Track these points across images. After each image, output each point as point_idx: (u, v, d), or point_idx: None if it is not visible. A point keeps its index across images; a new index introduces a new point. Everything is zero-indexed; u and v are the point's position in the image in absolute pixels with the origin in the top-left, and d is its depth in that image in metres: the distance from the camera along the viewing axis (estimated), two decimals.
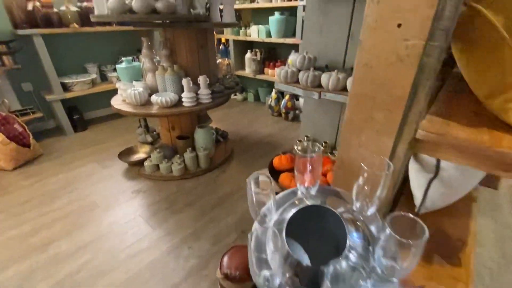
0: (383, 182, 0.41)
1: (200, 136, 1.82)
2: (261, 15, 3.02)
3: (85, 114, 2.79)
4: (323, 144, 1.54)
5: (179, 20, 1.36)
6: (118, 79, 2.62)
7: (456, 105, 0.52)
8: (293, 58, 1.22)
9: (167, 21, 1.59)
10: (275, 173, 1.41)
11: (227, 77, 2.10)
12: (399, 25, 0.40)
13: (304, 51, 1.25)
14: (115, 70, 2.77)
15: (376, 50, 0.44)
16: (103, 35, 2.70)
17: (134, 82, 1.73)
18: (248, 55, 3.05)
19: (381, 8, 0.41)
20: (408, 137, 0.47)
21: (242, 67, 3.30)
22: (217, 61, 2.77)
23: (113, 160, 1.96)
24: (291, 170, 1.38)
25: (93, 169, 1.91)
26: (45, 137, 2.42)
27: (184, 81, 1.56)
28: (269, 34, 2.82)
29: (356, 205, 0.46)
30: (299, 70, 1.22)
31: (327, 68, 1.25)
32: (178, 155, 1.79)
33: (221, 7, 1.76)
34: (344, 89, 1.10)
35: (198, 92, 1.68)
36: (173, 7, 1.36)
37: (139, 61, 2.73)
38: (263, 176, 0.47)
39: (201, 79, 1.63)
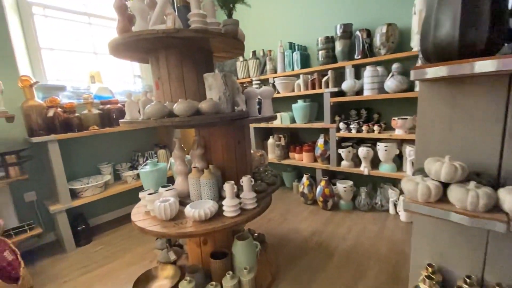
0: None
1: (241, 252, 1.41)
2: (279, 102, 3.03)
3: (92, 219, 2.40)
4: (466, 280, 0.93)
5: (224, 119, 1.18)
6: (133, 179, 2.35)
7: None
8: (431, 167, 0.82)
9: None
10: None
11: (261, 169, 1.84)
12: None
13: (446, 157, 0.82)
14: (130, 168, 2.54)
15: None
16: (120, 133, 2.59)
17: (161, 189, 1.43)
18: (271, 140, 2.91)
19: None
20: None
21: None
22: None
23: None
24: None
25: None
26: (41, 256, 1.96)
27: (227, 186, 1.27)
28: (292, 120, 2.73)
29: None
30: (442, 183, 0.81)
31: (478, 177, 0.84)
32: (214, 283, 1.33)
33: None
34: None
35: (241, 196, 1.37)
36: (217, 107, 1.18)
37: (157, 157, 2.54)
38: None
39: (245, 181, 1.34)
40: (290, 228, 2.14)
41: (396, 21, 2.09)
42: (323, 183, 2.37)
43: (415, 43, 2.02)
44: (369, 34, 2.24)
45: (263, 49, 3.02)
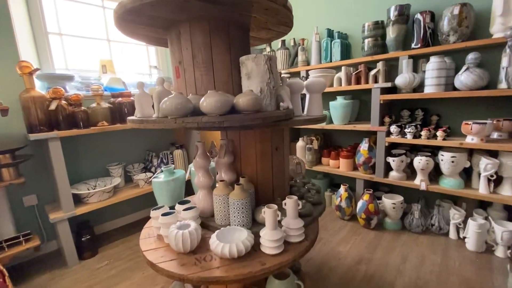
0: None
1: None
2: None
3: (98, 227, 2.14)
4: None
5: (267, 120, 0.83)
6: (146, 182, 2.06)
7: None
8: None
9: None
10: None
11: (298, 181, 1.48)
12: None
13: None
14: (143, 170, 2.25)
15: None
16: (132, 130, 2.31)
17: (178, 207, 1.11)
18: (300, 143, 2.54)
19: None
20: None
21: None
22: None
23: None
24: None
25: None
26: (39, 269, 1.71)
27: (269, 213, 0.92)
28: (329, 120, 2.35)
29: None
30: None
31: None
32: None
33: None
34: None
35: (283, 223, 1.02)
36: (259, 102, 0.84)
37: (173, 158, 2.24)
38: None
39: (290, 204, 0.99)
40: (328, 251, 1.77)
41: (470, 1, 1.66)
42: (366, 197, 1.98)
43: (496, 28, 1.58)
44: (433, 17, 1.82)
45: (294, 38, 2.64)
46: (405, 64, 1.86)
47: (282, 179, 1.26)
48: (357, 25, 2.26)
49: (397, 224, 1.99)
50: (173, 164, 2.24)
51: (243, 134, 1.16)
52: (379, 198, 2.05)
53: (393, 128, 1.91)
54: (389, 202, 1.94)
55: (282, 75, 2.50)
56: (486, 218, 1.68)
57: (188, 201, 1.16)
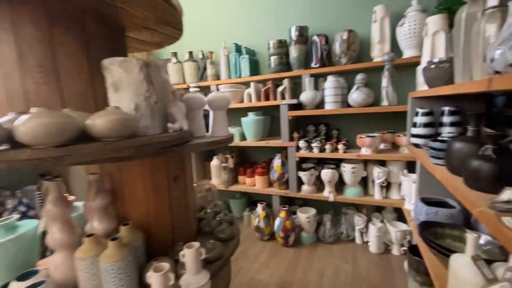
0: None
1: None
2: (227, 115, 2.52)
3: None
4: None
5: (145, 148, 0.60)
6: None
7: None
8: None
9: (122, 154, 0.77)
10: None
11: (209, 211, 1.27)
12: None
13: None
14: None
15: None
16: None
17: (15, 285, 0.70)
18: (215, 162, 2.34)
19: None
20: None
21: (206, 177, 2.51)
22: None
23: None
24: None
25: None
26: None
27: (156, 280, 0.66)
28: (242, 137, 2.25)
29: None
30: None
31: None
32: None
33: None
34: None
35: (181, 284, 0.77)
36: (130, 124, 0.59)
37: (41, 196, 1.67)
38: None
39: (190, 256, 0.76)
40: (249, 281, 1.60)
41: (355, 28, 1.88)
42: (283, 214, 1.93)
43: (375, 53, 1.84)
44: (327, 40, 1.98)
45: (202, 51, 2.47)
46: (307, 82, 1.95)
47: (186, 216, 1.02)
48: (263, 42, 2.28)
49: (312, 237, 2.01)
50: (41, 204, 1.64)
51: (125, 164, 0.87)
52: (295, 213, 2.04)
53: (302, 143, 1.95)
54: (303, 216, 1.94)
55: (188, 89, 2.27)
56: (382, 221, 1.87)
57: (35, 272, 0.77)
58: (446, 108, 1.38)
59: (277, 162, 2.07)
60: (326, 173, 1.89)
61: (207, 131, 1.12)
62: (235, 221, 1.25)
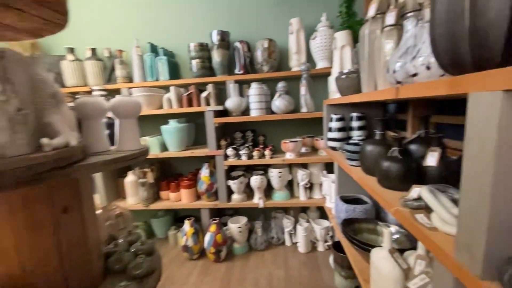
0: None
1: None
2: (141, 123, 2.21)
3: None
4: None
5: (1, 174, 0.39)
6: None
7: None
8: None
9: None
10: None
11: (120, 241, 1.04)
12: None
13: None
14: None
15: None
16: None
17: None
18: (131, 178, 2.02)
19: None
20: None
21: (121, 196, 2.14)
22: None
23: None
24: None
25: None
26: None
27: None
28: (163, 147, 2.01)
29: None
30: None
31: None
32: None
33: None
34: None
35: None
36: None
37: None
38: None
39: None
40: None
41: (274, 38, 1.95)
42: (213, 228, 1.80)
43: (293, 63, 1.94)
44: (249, 47, 1.99)
45: (109, 48, 2.12)
46: (232, 88, 1.90)
47: (84, 256, 0.78)
48: (182, 44, 2.12)
49: (244, 246, 1.95)
50: None
51: None
52: (226, 224, 1.94)
53: (230, 151, 1.88)
54: (235, 227, 1.87)
55: (91, 92, 1.90)
56: (308, 221, 1.97)
57: None
58: (354, 114, 1.54)
59: (204, 172, 1.93)
60: (256, 180, 1.87)
61: (113, 144, 0.91)
62: (156, 248, 1.05)
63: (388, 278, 0.84)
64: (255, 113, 1.87)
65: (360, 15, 1.90)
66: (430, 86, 0.52)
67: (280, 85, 1.87)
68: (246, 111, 2.00)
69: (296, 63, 1.92)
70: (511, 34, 0.39)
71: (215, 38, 1.92)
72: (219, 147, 1.92)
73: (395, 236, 1.10)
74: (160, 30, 2.15)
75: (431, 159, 0.82)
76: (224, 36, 1.93)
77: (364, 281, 1.03)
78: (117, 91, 2.09)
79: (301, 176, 1.88)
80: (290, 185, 2.06)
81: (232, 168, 2.08)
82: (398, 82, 0.80)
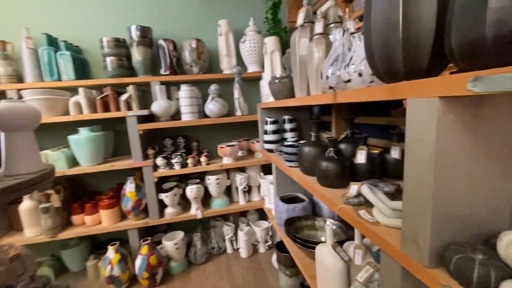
0: None
1: None
2: (38, 133, 1.75)
3: None
4: None
5: None
6: None
7: None
8: None
9: None
10: None
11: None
12: None
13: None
14: None
15: None
16: None
17: None
18: (28, 204, 1.57)
19: None
20: None
21: (14, 228, 1.65)
22: None
23: None
24: None
25: None
26: None
27: None
28: (73, 161, 1.65)
29: None
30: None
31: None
32: None
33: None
34: None
35: None
36: None
37: None
38: None
39: None
40: None
41: (203, 39, 1.86)
42: (144, 250, 1.58)
43: (224, 65, 1.90)
44: (175, 47, 1.84)
45: None
46: (158, 90, 1.71)
47: None
48: (92, 39, 1.79)
49: (183, 263, 1.79)
50: None
51: None
52: (160, 242, 1.74)
53: (160, 160, 1.69)
54: (170, 244, 1.69)
55: None
56: (248, 224, 1.96)
57: None
58: (286, 117, 1.61)
59: (130, 187, 1.68)
60: (192, 190, 1.74)
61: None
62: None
63: (334, 272, 0.89)
64: (186, 117, 1.74)
65: (284, 24, 2.01)
66: (368, 91, 0.56)
67: (213, 87, 1.79)
68: (176, 116, 1.85)
69: (227, 66, 1.89)
70: (437, 45, 0.45)
71: (134, 33, 1.70)
72: (146, 157, 1.70)
73: (329, 223, 1.18)
74: (61, 18, 1.76)
75: (361, 157, 0.91)
76: (145, 32, 1.73)
77: (310, 277, 1.07)
78: (1, 94, 1.61)
79: (239, 180, 1.85)
80: (228, 191, 2.01)
81: (163, 179, 1.88)
82: (331, 88, 0.86)
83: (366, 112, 1.34)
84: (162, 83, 1.80)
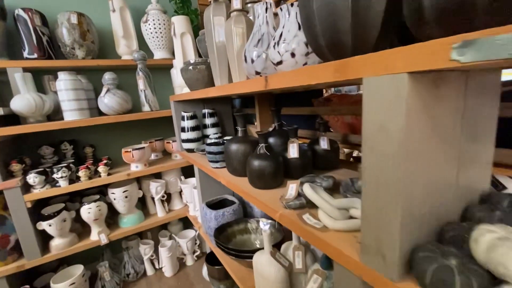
0: None
1: None
2: None
3: None
4: None
5: None
6: None
7: None
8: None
9: None
10: None
11: None
12: None
13: None
14: None
15: None
16: None
17: None
18: None
19: None
20: None
21: None
22: None
23: None
24: None
25: None
26: None
27: None
28: None
29: None
30: None
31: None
32: None
33: None
34: None
35: None
36: None
37: None
38: None
39: None
40: None
41: (88, 14, 1.44)
42: None
43: (122, 50, 1.54)
44: (45, 22, 1.36)
45: None
46: (19, 79, 1.22)
47: None
48: None
49: None
50: None
51: None
52: (47, 286, 1.28)
53: (33, 178, 1.22)
54: (64, 286, 1.26)
55: None
56: (170, 237, 1.69)
57: None
58: (206, 111, 1.43)
59: None
60: (89, 210, 1.34)
61: None
62: None
63: (275, 282, 0.79)
64: (71, 116, 1.31)
65: (194, 6, 1.79)
66: (310, 72, 0.45)
67: (108, 76, 1.41)
68: (56, 115, 1.38)
69: (126, 50, 1.53)
70: (387, 14, 0.37)
71: None
72: (9, 175, 1.20)
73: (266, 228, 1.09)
74: None
75: (293, 151, 0.83)
76: None
77: None
78: None
79: (155, 188, 1.56)
80: (142, 203, 1.68)
81: (43, 202, 1.39)
82: (258, 73, 0.73)
83: (289, 102, 1.30)
84: (26, 70, 1.30)
